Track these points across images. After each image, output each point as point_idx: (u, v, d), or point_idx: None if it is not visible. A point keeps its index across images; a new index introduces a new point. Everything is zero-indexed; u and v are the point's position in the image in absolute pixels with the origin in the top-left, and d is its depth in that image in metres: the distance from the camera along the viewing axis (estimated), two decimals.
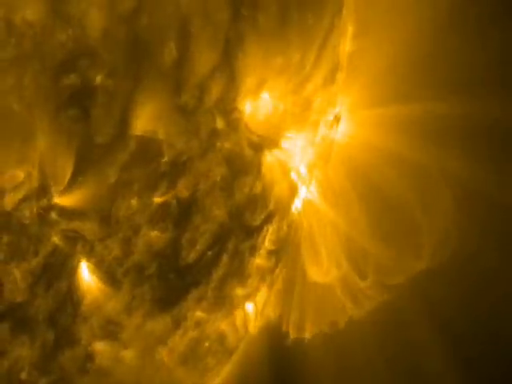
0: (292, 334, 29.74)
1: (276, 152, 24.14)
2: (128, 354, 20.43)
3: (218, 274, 22.26)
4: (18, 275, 17.15)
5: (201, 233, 20.94)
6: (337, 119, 29.55)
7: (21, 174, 16.67)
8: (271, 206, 24.70)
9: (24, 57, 16.23)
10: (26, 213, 16.97)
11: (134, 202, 18.66)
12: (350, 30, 29.65)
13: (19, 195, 16.72)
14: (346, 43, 29.60)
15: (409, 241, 28.08)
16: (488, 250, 26.87)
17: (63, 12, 16.90)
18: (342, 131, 30.39)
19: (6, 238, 16.81)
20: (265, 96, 22.83)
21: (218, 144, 20.65)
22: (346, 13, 28.75)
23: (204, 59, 19.42)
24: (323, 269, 29.08)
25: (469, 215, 27.32)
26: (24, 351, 17.72)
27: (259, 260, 25.78)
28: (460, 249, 27.10)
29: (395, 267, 28.27)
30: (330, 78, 28.34)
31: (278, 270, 28.37)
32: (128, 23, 17.85)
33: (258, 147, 22.55)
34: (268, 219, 24.88)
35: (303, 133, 26.26)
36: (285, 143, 24.78)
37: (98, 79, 17.43)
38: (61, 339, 18.54)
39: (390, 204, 28.02)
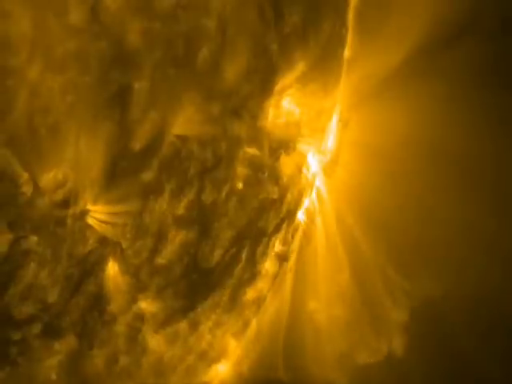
0: (290, 340, 30.46)
1: (291, 157, 25.13)
2: (148, 357, 21.12)
3: (234, 278, 23.17)
4: (51, 277, 17.67)
5: (221, 237, 21.80)
6: (343, 125, 30.60)
7: (59, 176, 17.19)
8: (283, 212, 25.71)
9: (69, 60, 16.80)
10: (62, 215, 17.50)
11: (163, 205, 19.40)
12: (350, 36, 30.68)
13: (57, 197, 17.25)
14: (347, 50, 30.64)
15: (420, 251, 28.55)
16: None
17: (104, 17, 17.50)
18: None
19: (41, 240, 17.30)
20: (285, 101, 23.83)
21: (243, 150, 21.54)
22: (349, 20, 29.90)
23: (234, 66, 20.30)
24: (325, 278, 29.96)
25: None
26: (53, 352, 18.25)
27: (267, 265, 26.72)
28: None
29: (406, 282, 28.86)
30: (336, 85, 29.47)
31: (280, 275, 29.34)
32: (166, 29, 18.57)
33: (277, 153, 23.52)
34: (279, 225, 25.87)
35: (313, 138, 27.32)
36: (298, 148, 25.81)
37: (137, 84, 18.10)
38: (87, 341, 19.10)
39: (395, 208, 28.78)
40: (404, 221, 27.87)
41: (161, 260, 20.08)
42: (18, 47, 16.34)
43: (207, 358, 24.39)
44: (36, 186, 16.91)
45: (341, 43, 28.89)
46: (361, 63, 30.69)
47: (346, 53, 30.18)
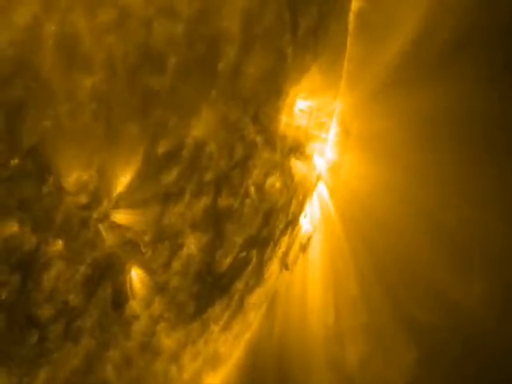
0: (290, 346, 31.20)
1: (299, 161, 26.08)
2: (159, 361, 21.86)
3: (243, 281, 24.04)
4: (73, 279, 18.28)
5: (234, 240, 22.66)
6: (345, 129, 31.57)
7: (84, 178, 17.79)
8: (290, 216, 26.66)
9: (96, 62, 17.42)
10: (86, 217, 18.11)
11: (182, 209, 20.15)
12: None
13: (81, 199, 17.85)
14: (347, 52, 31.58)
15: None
16: None
17: (130, 19, 18.16)
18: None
19: (64, 242, 17.88)
20: (296, 105, 24.78)
21: (257, 154, 22.39)
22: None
23: (254, 69, 21.13)
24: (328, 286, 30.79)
25: None
26: (71, 354, 18.89)
27: (271, 269, 27.64)
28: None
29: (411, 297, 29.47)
30: (339, 88, 30.50)
31: (281, 279, 30.27)
32: (189, 31, 19.28)
33: (288, 156, 24.48)
34: (285, 229, 26.82)
35: (319, 142, 28.32)
36: (306, 152, 26.78)
37: (160, 87, 18.78)
38: (103, 344, 19.74)
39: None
40: (412, 229, 28.81)
41: (177, 263, 20.81)
42: (44, 49, 16.85)
43: (213, 361, 25.20)
44: (61, 188, 17.47)
45: (343, 45, 29.95)
46: (360, 66, 31.62)
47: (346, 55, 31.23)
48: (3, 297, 17.14)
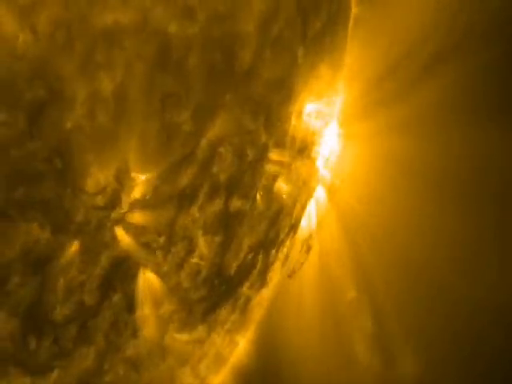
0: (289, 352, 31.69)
1: (304, 164, 26.66)
2: (167, 363, 22.32)
3: (249, 284, 24.58)
4: (88, 280, 18.69)
5: (243, 243, 23.17)
6: (346, 133, 32.15)
7: (102, 180, 18.20)
8: (293, 219, 27.26)
9: (117, 64, 17.84)
10: (103, 219, 18.52)
11: (195, 212, 20.62)
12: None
13: (99, 201, 18.25)
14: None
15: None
16: None
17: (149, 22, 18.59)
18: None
19: (80, 243, 18.27)
20: (305, 108, 25.37)
21: (267, 157, 22.94)
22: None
23: (268, 72, 21.65)
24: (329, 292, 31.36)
25: None
26: (82, 354, 19.29)
27: (273, 272, 28.20)
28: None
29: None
30: (340, 87, 31.11)
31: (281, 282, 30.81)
32: (206, 35, 19.75)
33: (296, 159, 25.05)
34: (289, 232, 27.39)
35: (323, 145, 28.92)
36: (312, 155, 27.37)
37: (178, 89, 19.23)
38: (114, 345, 20.16)
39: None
40: (413, 230, 29.46)
41: (189, 266, 21.28)
42: (65, 50, 17.22)
43: (217, 362, 25.71)
44: (81, 189, 17.86)
45: (344, 49, 30.57)
46: (358, 70, 32.16)
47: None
48: (21, 298, 17.48)
